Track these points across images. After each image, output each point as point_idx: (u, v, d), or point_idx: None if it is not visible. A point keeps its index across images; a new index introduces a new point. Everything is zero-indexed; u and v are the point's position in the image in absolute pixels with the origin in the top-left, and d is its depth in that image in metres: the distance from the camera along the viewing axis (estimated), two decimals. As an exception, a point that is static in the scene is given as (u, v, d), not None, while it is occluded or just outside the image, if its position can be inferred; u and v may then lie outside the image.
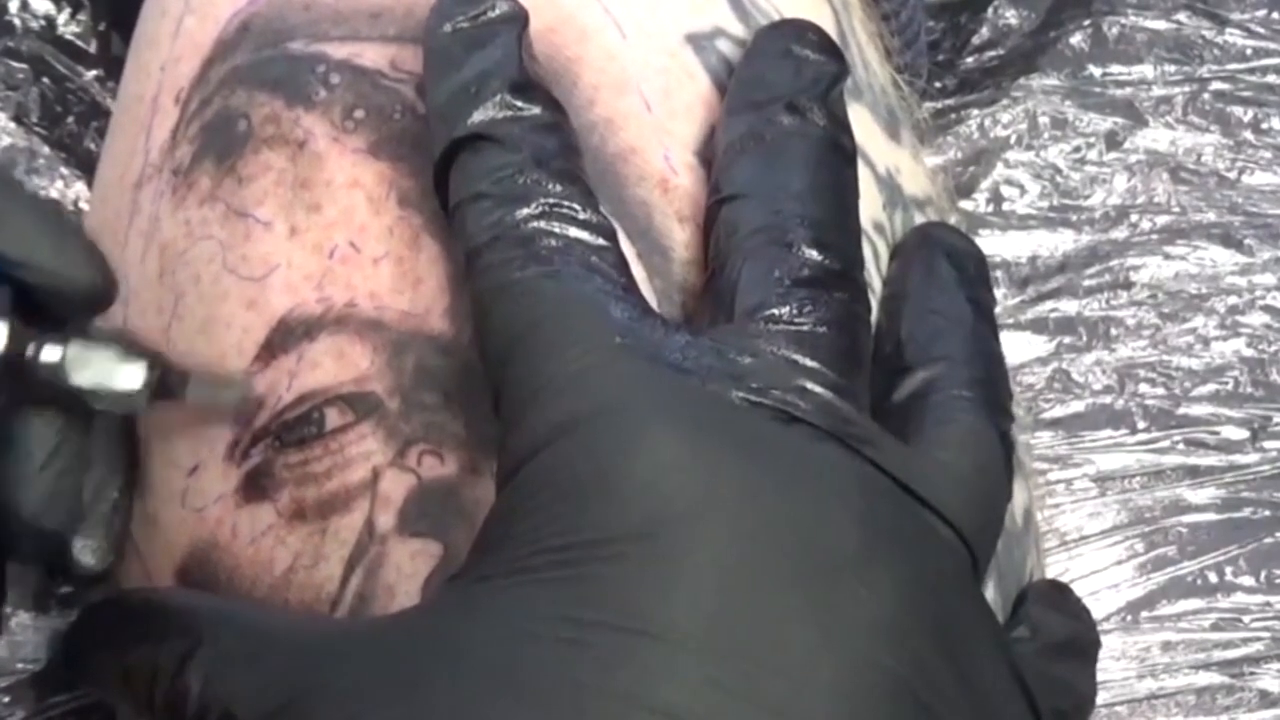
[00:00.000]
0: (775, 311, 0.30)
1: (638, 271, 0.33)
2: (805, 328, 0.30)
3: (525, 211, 0.30)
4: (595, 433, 0.28)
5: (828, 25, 0.39)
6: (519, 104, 0.32)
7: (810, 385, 0.29)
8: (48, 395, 0.30)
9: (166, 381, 0.31)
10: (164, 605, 0.32)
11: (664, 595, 0.26)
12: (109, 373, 0.30)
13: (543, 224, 0.30)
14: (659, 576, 0.26)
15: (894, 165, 0.39)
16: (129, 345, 0.30)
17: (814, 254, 0.31)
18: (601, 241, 0.31)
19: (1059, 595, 0.38)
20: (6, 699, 0.47)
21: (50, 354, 0.29)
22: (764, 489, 0.28)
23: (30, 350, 0.29)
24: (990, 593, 0.36)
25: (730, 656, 0.26)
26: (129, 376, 0.30)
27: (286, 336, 0.33)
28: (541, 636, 0.26)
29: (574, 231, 0.30)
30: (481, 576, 0.28)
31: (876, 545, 0.28)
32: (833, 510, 0.28)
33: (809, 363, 0.30)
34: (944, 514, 0.30)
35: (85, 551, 0.31)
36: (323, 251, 0.34)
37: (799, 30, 0.35)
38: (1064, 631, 0.36)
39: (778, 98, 0.33)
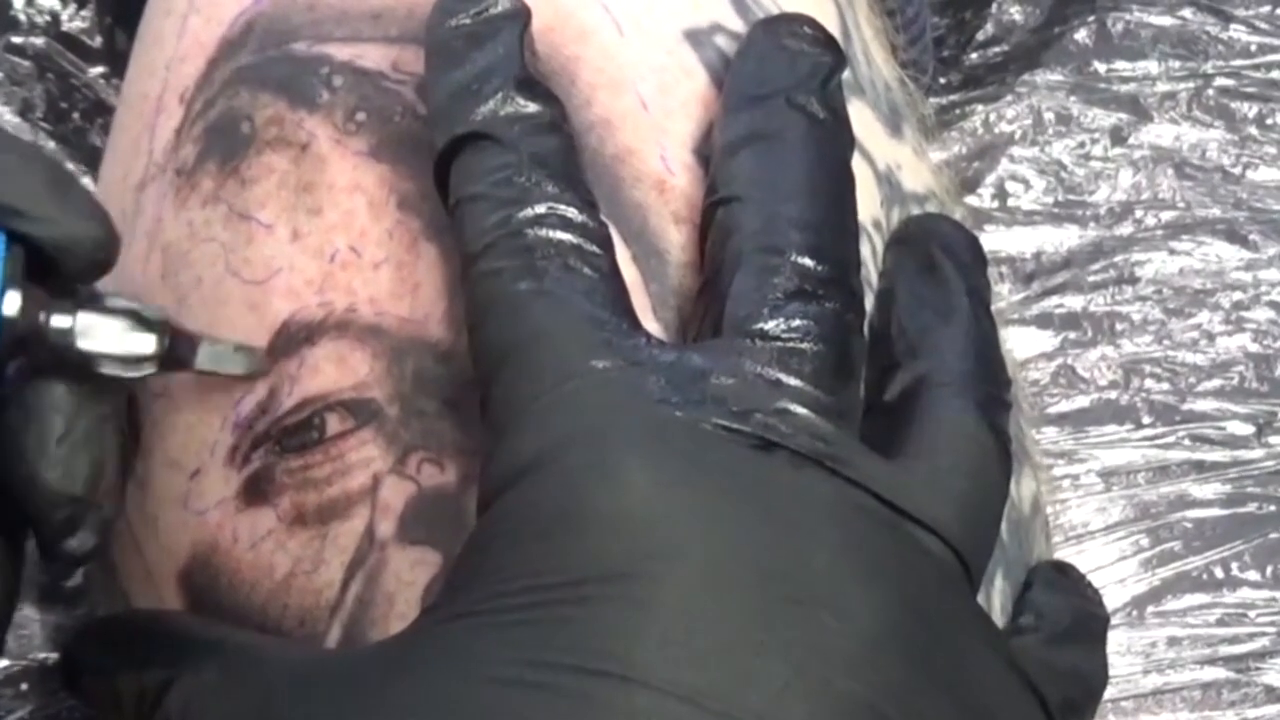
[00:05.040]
0: (763, 326, 0.30)
1: (633, 275, 0.33)
2: (792, 343, 0.30)
3: (521, 215, 0.30)
4: (565, 470, 0.28)
5: (831, 21, 0.38)
6: (521, 101, 0.32)
7: (792, 406, 0.29)
8: (58, 364, 0.29)
9: (176, 349, 0.31)
10: (149, 629, 0.33)
11: (629, 637, 0.26)
12: (119, 339, 0.30)
13: (537, 230, 0.30)
14: (625, 618, 0.26)
15: (894, 162, 0.39)
16: (139, 313, 0.30)
17: (806, 261, 0.31)
18: (594, 249, 0.31)
19: (1062, 576, 0.37)
20: (19, 688, 0.47)
21: (61, 320, 0.29)
22: (735, 524, 0.28)
23: (41, 317, 0.29)
24: (999, 583, 0.36)
25: (698, 698, 0.26)
26: (139, 343, 0.30)
27: (288, 341, 0.33)
28: (507, 680, 0.26)
29: (568, 238, 0.30)
30: (453, 615, 0.28)
31: (851, 573, 0.28)
32: (806, 541, 0.28)
33: (793, 382, 0.30)
34: (931, 526, 0.30)
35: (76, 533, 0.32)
36: (324, 256, 0.34)
37: (793, 23, 0.35)
38: (1069, 614, 0.36)
39: (775, 92, 0.33)
